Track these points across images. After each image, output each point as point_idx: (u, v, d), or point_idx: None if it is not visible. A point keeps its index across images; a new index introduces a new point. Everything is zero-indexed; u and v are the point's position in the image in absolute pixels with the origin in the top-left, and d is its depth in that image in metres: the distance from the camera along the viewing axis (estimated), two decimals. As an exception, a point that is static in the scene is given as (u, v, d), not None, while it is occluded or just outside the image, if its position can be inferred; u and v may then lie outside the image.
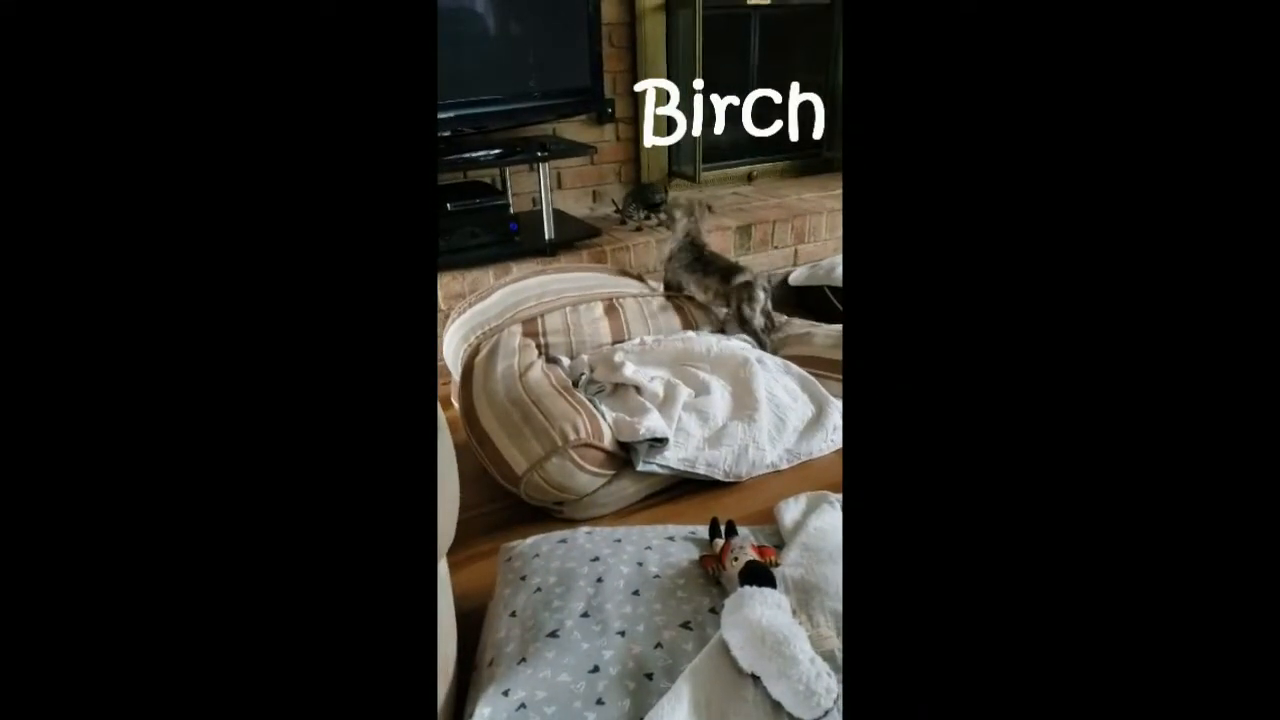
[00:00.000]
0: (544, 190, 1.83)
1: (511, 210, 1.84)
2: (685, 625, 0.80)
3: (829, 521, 1.01)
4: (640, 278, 1.74)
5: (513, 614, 0.83)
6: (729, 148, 2.47)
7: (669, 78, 2.21)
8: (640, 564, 0.89)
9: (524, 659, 0.74)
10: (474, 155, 1.75)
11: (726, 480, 1.25)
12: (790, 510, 1.06)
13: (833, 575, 0.87)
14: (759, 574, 0.80)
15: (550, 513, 1.23)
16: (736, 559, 0.85)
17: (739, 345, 1.52)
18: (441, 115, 1.67)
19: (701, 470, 1.24)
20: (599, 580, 0.86)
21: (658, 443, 1.23)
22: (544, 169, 1.80)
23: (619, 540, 0.94)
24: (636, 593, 0.84)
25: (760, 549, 0.90)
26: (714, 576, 0.87)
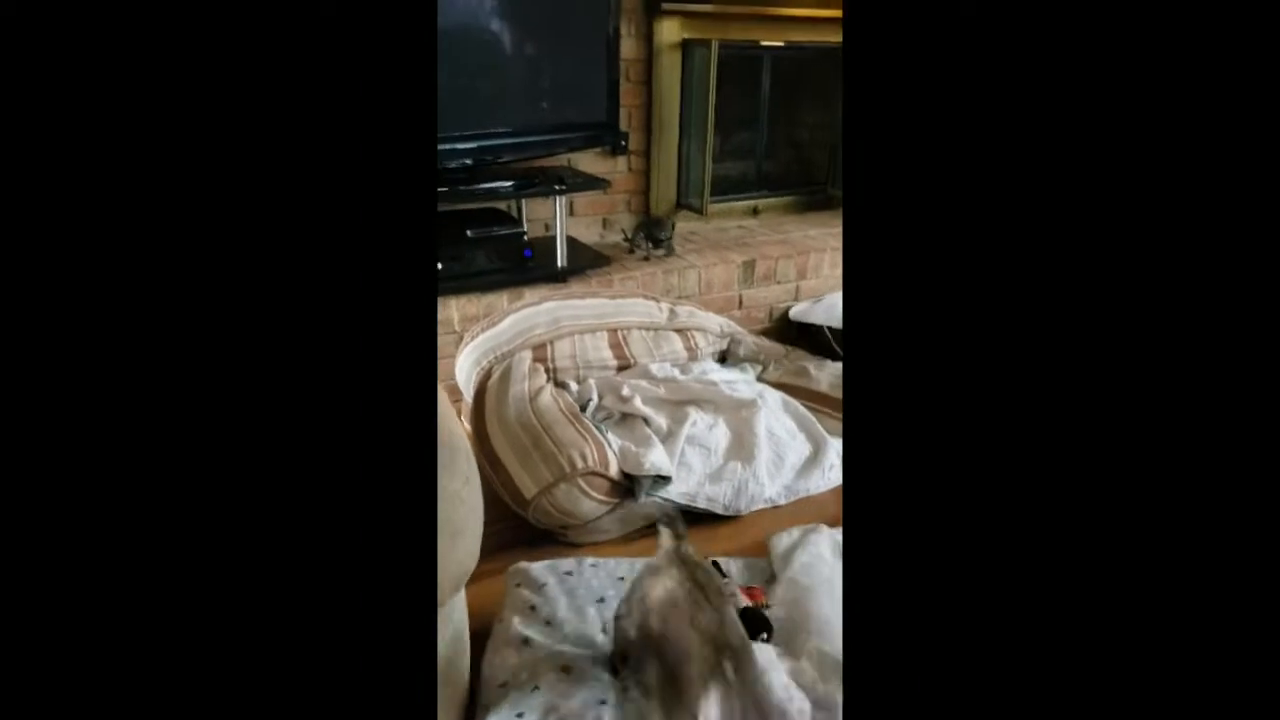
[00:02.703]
0: (559, 221, 1.89)
1: (526, 237, 1.90)
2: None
3: (814, 554, 1.05)
4: (655, 299, 1.79)
5: (525, 641, 0.88)
6: (736, 181, 2.55)
7: (682, 112, 2.29)
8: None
9: (537, 687, 0.80)
10: (494, 185, 1.82)
11: (726, 514, 1.31)
12: (782, 543, 1.12)
13: (815, 611, 0.92)
14: (755, 620, 0.86)
15: (554, 536, 1.28)
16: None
17: (744, 385, 1.58)
18: (465, 145, 1.74)
19: (702, 504, 1.29)
20: (604, 631, 0.90)
21: (661, 478, 1.28)
22: (559, 200, 1.87)
23: (622, 579, 1.00)
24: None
25: (749, 590, 0.95)
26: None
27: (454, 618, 0.77)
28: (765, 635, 0.87)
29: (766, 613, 0.91)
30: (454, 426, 0.78)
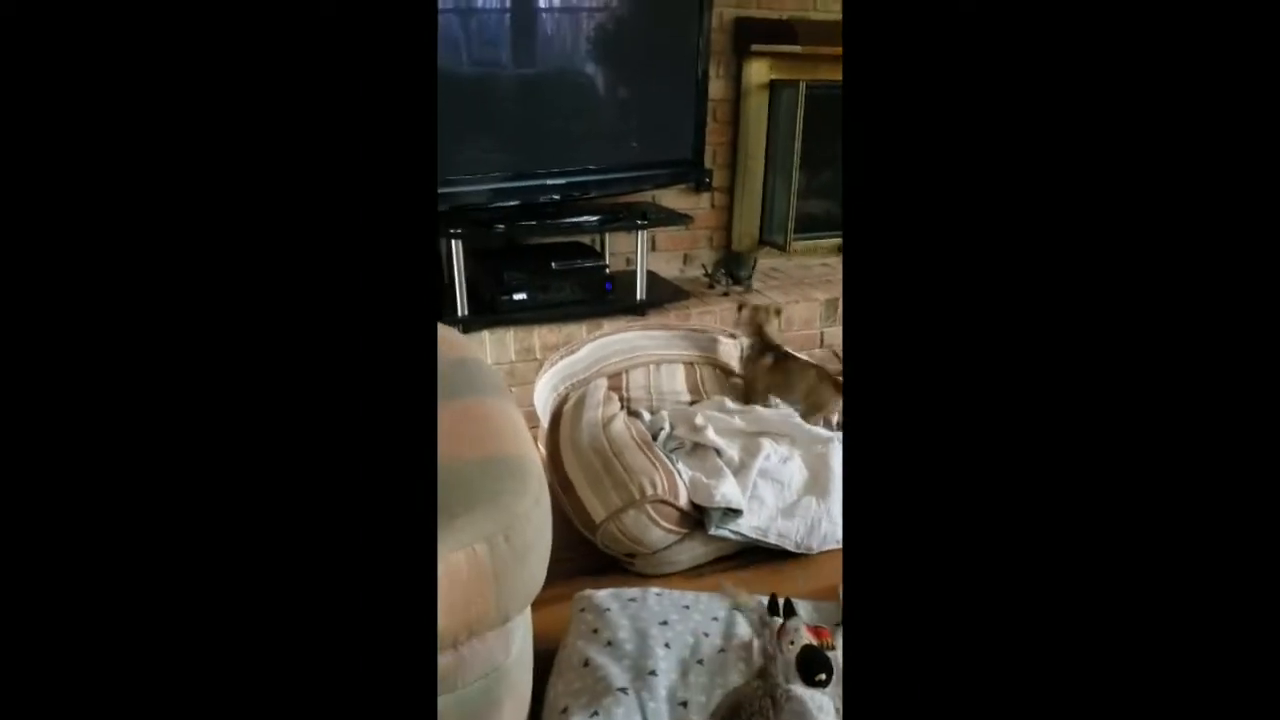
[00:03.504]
0: (640, 255, 1.94)
1: (608, 270, 1.96)
2: (745, 697, 0.84)
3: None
4: (733, 335, 1.79)
5: (585, 663, 0.89)
6: (822, 219, 2.53)
7: (768, 151, 2.30)
8: (706, 634, 0.94)
9: (596, 712, 0.80)
10: (579, 220, 1.89)
11: (797, 551, 1.28)
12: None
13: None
14: (815, 660, 0.83)
15: (621, 565, 1.29)
16: (793, 643, 0.88)
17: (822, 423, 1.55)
18: (554, 181, 1.82)
19: (773, 540, 1.27)
20: (666, 645, 0.91)
21: (731, 511, 1.27)
22: (642, 235, 1.92)
23: (687, 607, 0.99)
24: (701, 662, 0.89)
25: (816, 629, 0.92)
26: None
27: (518, 637, 0.79)
28: (824, 676, 0.84)
29: (831, 655, 0.88)
30: (526, 449, 0.81)
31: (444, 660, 0.68)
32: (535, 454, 0.82)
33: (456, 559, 0.65)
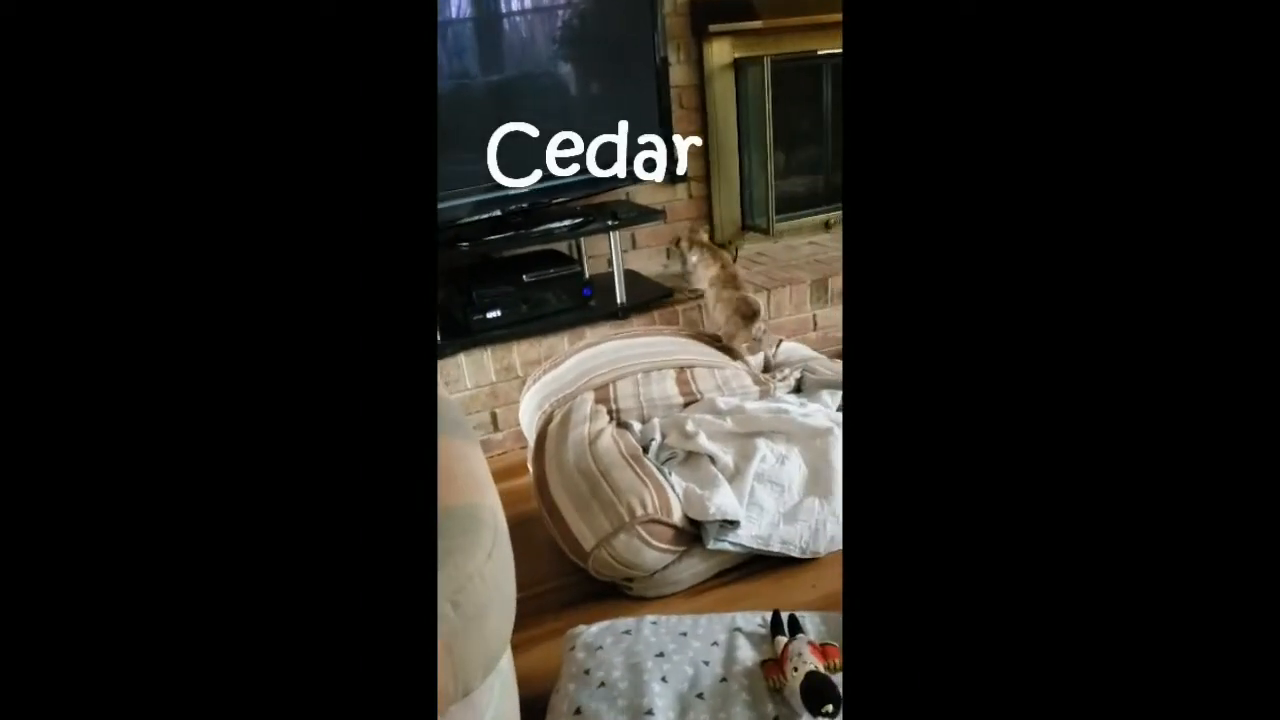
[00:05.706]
0: (615, 256, 1.86)
1: (586, 275, 1.88)
2: (749, 735, 0.77)
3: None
4: (716, 340, 1.72)
5: (577, 711, 0.82)
6: (805, 196, 2.44)
7: (740, 132, 2.22)
8: (706, 663, 0.87)
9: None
10: (549, 227, 1.81)
11: (803, 558, 1.21)
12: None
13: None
14: (820, 689, 0.76)
15: (621, 590, 1.22)
16: (796, 668, 0.81)
17: (819, 414, 1.47)
18: (523, 188, 1.74)
19: (776, 548, 1.20)
20: (663, 679, 0.84)
21: (729, 523, 1.20)
22: (615, 236, 1.84)
23: (684, 634, 0.92)
24: (701, 696, 0.82)
25: (823, 648, 0.85)
26: (775, 687, 0.83)
27: (494, 697, 0.72)
28: (830, 707, 0.76)
29: (839, 678, 0.81)
30: (478, 495, 0.74)
31: (400, 745, 0.62)
32: (490, 496, 0.75)
33: (398, 635, 0.58)
